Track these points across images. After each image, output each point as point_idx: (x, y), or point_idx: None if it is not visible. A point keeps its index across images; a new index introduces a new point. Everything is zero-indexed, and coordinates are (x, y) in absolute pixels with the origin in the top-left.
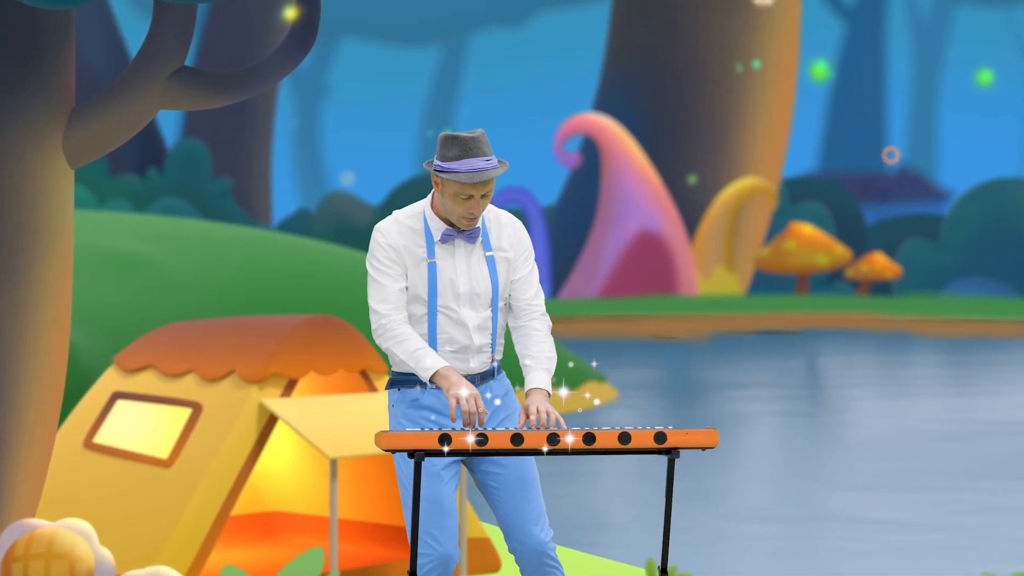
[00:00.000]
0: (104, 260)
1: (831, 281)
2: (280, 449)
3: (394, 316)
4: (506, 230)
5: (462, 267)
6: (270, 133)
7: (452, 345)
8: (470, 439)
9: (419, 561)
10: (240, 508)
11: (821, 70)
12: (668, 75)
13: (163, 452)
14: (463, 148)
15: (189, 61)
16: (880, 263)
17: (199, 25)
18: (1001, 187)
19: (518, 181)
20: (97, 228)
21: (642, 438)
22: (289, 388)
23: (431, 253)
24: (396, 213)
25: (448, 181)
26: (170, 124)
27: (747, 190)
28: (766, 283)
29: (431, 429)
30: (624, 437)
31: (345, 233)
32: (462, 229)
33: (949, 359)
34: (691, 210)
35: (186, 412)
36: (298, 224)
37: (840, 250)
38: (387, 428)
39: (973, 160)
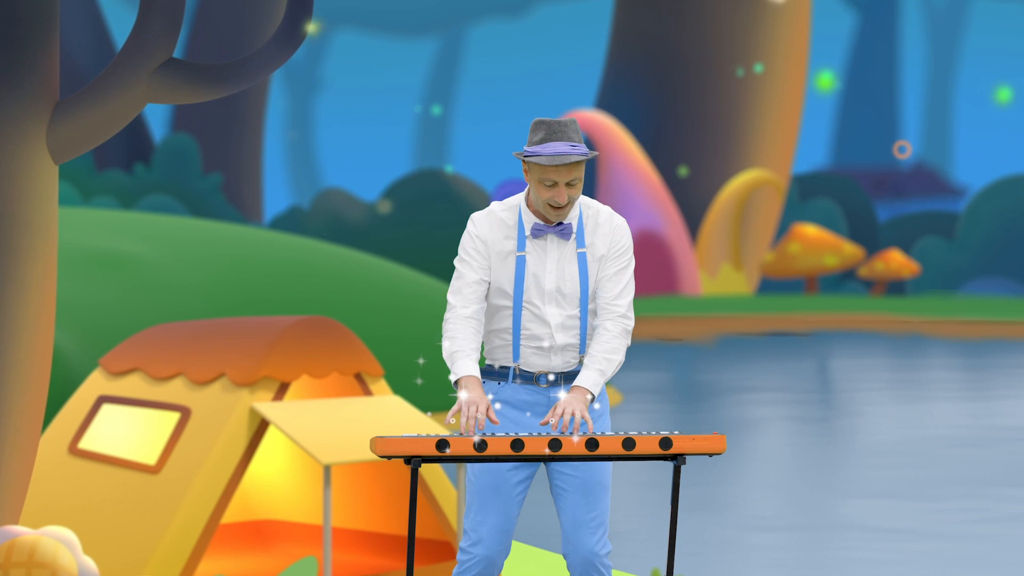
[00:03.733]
0: (89, 259)
1: (842, 281)
2: (272, 455)
3: (458, 310)
4: (603, 228)
5: (551, 264)
6: (261, 128)
7: (534, 342)
8: (474, 439)
9: (459, 557)
10: (230, 516)
11: (827, 80)
12: (674, 66)
13: (150, 458)
14: (548, 132)
15: (177, 53)
16: (896, 261)
17: (188, 16)
18: (1019, 183)
19: (521, 175)
20: (82, 226)
21: (647, 444)
22: (281, 392)
23: (521, 247)
24: (493, 204)
25: (533, 166)
26: (158, 118)
27: (752, 183)
28: (775, 283)
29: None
30: (628, 443)
31: (339, 231)
32: (552, 222)
33: (965, 362)
34: (696, 205)
35: (174, 416)
36: (290, 222)
37: (850, 249)
38: (384, 432)
39: (990, 155)
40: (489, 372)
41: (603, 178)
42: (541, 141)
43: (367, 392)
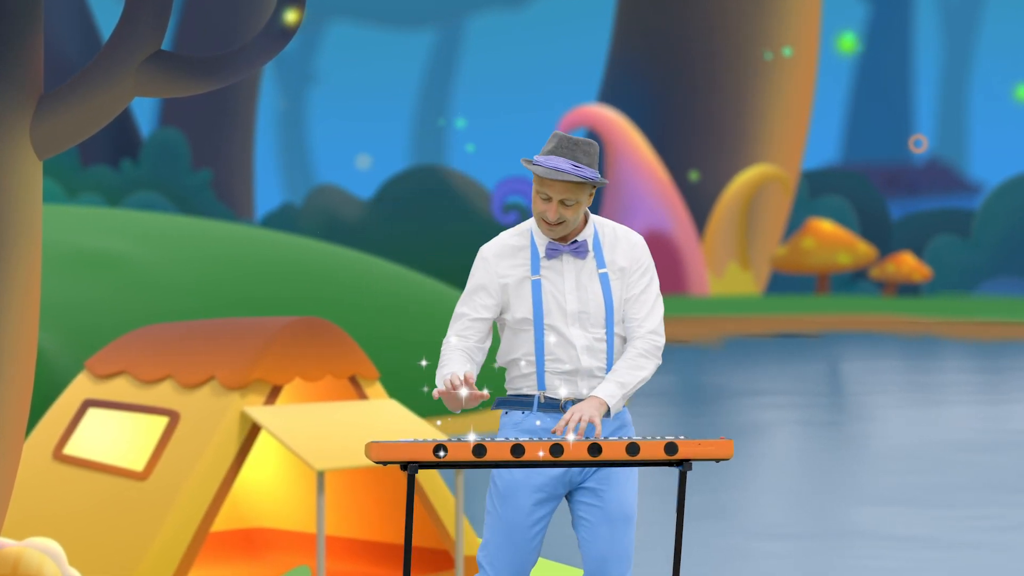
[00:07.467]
0: (75, 258)
1: (854, 280)
2: (263, 461)
3: (452, 341)
4: (621, 244)
5: (570, 284)
6: (253, 122)
7: (560, 366)
8: (468, 440)
9: None
10: (221, 524)
11: (849, 43)
12: (679, 59)
13: (138, 464)
14: (557, 145)
15: (166, 45)
16: (908, 264)
17: (177, 7)
18: None
19: (523, 171)
20: (67, 224)
21: (652, 449)
22: (273, 395)
23: (535, 270)
24: (503, 233)
25: (534, 177)
26: (145, 112)
27: (757, 179)
28: (784, 283)
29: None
30: (632, 448)
31: (333, 229)
32: (564, 240)
33: (981, 364)
34: (702, 203)
35: (162, 421)
36: (283, 219)
37: (863, 248)
38: (380, 437)
39: (1006, 151)
40: (512, 402)
41: (610, 175)
42: (548, 153)
43: (362, 395)
